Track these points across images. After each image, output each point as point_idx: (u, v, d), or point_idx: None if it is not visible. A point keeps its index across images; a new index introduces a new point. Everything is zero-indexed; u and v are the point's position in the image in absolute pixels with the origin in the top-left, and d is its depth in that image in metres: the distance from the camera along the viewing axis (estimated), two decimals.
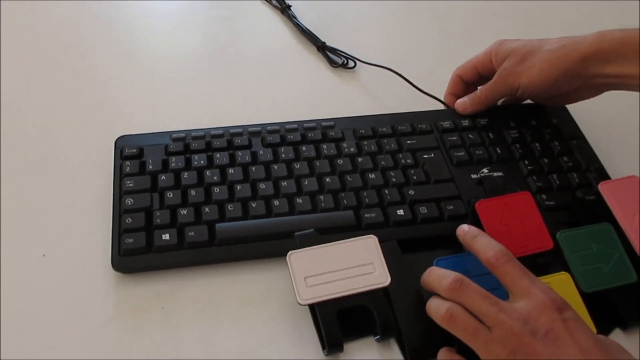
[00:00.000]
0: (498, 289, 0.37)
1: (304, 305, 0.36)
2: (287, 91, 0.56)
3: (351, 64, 0.58)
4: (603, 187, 0.42)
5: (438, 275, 0.36)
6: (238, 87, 0.57)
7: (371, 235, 0.39)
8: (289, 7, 0.64)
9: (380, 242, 0.39)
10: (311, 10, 0.65)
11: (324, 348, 0.37)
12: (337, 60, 0.58)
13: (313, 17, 0.64)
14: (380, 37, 0.64)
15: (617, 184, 0.42)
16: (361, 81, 0.57)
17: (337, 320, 0.36)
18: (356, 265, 0.38)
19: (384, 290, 0.38)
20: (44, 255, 0.42)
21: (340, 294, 0.36)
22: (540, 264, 0.40)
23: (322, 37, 0.60)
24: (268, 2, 0.66)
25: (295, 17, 0.63)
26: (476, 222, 0.40)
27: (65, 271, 0.41)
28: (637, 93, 0.44)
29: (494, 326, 0.33)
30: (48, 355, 0.37)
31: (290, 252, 0.38)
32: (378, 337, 0.38)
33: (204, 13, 0.66)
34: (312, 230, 0.40)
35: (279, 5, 0.65)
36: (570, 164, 0.47)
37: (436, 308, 0.35)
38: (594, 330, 0.36)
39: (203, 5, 0.66)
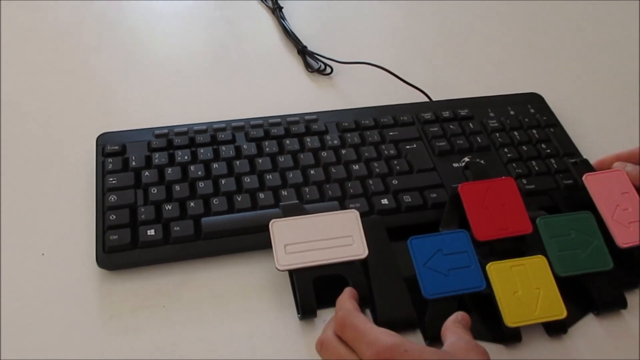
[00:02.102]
0: (469, 267, 0.38)
1: (282, 270, 0.38)
2: (267, 91, 0.56)
3: (328, 70, 0.58)
4: (587, 179, 0.43)
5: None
6: (221, 86, 0.57)
7: (353, 210, 0.40)
8: (280, 8, 0.65)
9: (363, 216, 0.40)
10: (310, 12, 0.66)
11: (298, 312, 0.38)
12: (314, 65, 0.58)
13: (311, 19, 0.65)
14: (378, 42, 0.64)
15: (601, 176, 0.43)
16: (338, 87, 0.57)
17: (312, 287, 0.38)
18: (336, 236, 0.39)
19: (362, 263, 0.39)
20: (43, 254, 0.42)
21: (317, 262, 0.38)
22: (518, 247, 0.41)
23: (317, 40, 0.61)
24: (263, 2, 0.66)
25: (284, 19, 0.63)
26: (458, 205, 0.41)
27: (49, 270, 0.41)
28: (607, 86, 0.45)
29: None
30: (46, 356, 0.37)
31: (272, 220, 0.39)
32: None
33: (197, 11, 0.65)
34: (296, 201, 0.42)
35: (271, 6, 0.65)
36: (548, 150, 0.49)
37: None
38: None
39: (198, 4, 0.66)
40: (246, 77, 0.58)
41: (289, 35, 0.61)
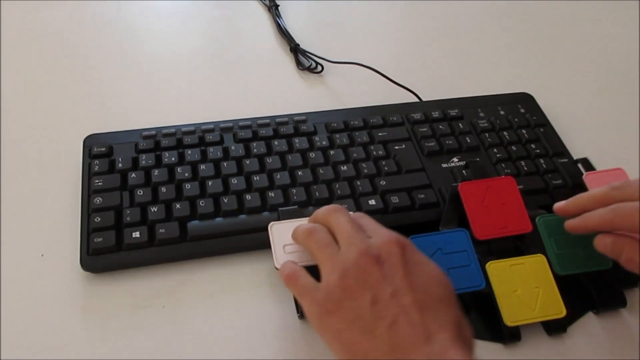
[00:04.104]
0: (469, 266, 0.38)
1: None
2: (258, 89, 0.56)
3: (319, 68, 0.58)
4: (587, 178, 0.43)
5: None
6: (215, 83, 0.56)
7: (350, 213, 0.39)
8: (276, 6, 0.65)
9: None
10: (306, 11, 0.66)
11: (297, 312, 0.39)
12: (305, 62, 0.58)
13: (306, 18, 0.64)
14: (370, 41, 0.64)
15: (600, 175, 0.43)
16: (328, 85, 0.57)
17: None
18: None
19: None
20: (42, 254, 0.41)
21: (314, 262, 0.37)
22: (518, 246, 0.41)
23: (311, 39, 0.60)
24: (261, 0, 0.66)
25: (279, 16, 0.63)
26: (457, 203, 0.41)
27: (31, 272, 0.41)
28: (598, 86, 0.45)
29: (344, 244, 0.34)
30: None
31: (271, 223, 0.39)
32: None
33: (195, 9, 0.65)
34: (295, 206, 0.42)
35: (267, 4, 0.65)
36: (538, 150, 0.48)
37: (302, 227, 0.37)
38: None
39: (197, 3, 0.66)
40: (239, 75, 0.58)
41: (283, 33, 0.61)
